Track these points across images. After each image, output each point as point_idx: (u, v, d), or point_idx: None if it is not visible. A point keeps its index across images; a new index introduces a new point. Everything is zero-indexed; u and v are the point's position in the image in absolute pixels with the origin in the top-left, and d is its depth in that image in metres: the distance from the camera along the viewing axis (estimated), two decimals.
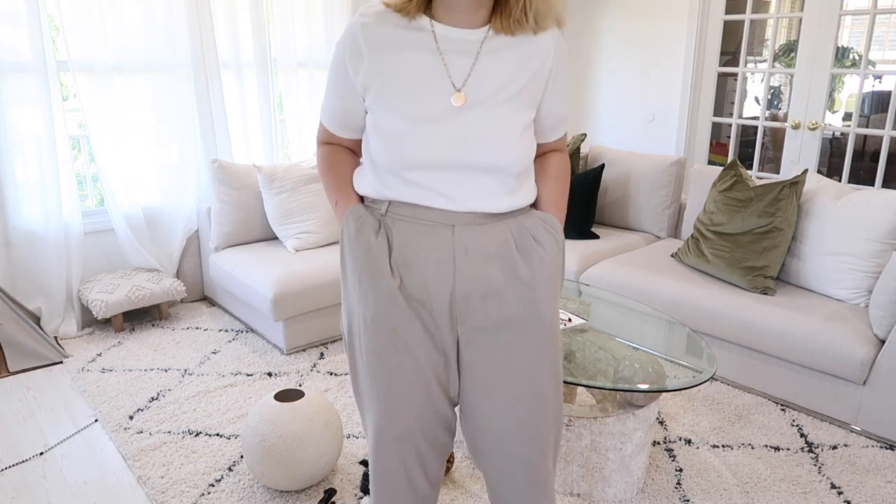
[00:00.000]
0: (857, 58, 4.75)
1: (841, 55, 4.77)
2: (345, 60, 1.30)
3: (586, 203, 3.59)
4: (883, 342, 2.42)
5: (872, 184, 3.67)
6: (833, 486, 2.18)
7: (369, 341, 1.33)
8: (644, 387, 1.96)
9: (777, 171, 4.43)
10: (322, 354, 3.11)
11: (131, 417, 2.56)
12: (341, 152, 1.42)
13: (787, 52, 4.68)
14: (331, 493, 2.11)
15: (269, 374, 2.92)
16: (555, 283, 1.36)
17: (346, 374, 2.91)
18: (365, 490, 2.14)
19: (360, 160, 1.42)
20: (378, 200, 1.33)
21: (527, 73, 1.29)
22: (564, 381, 1.99)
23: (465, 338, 1.33)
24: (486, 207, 1.29)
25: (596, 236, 3.61)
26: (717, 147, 4.54)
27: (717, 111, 4.46)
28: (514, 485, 1.40)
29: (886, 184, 3.60)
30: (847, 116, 4.91)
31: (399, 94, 1.25)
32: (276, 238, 3.60)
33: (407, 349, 1.31)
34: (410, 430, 1.36)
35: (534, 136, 1.36)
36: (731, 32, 4.15)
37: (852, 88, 4.96)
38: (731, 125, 4.18)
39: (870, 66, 3.41)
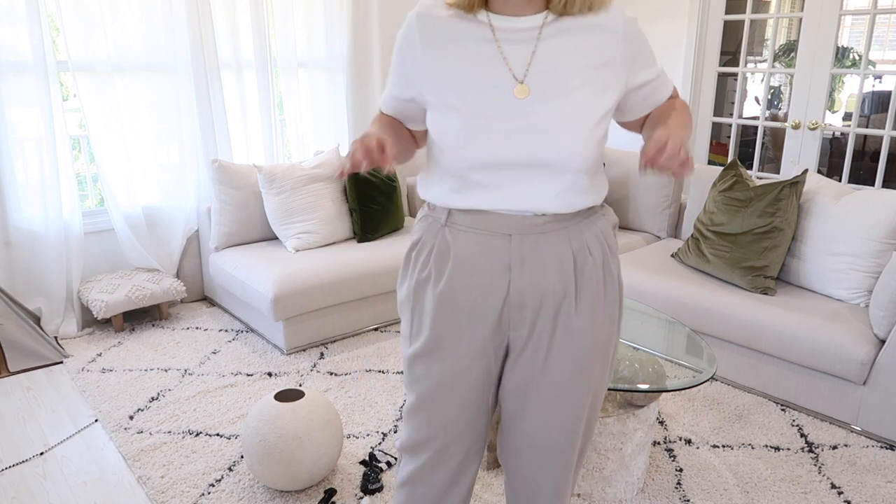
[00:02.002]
0: (857, 58, 4.75)
1: (841, 55, 4.77)
2: (402, 52, 1.27)
3: None
4: (883, 342, 2.42)
5: (872, 184, 3.67)
6: (833, 486, 2.18)
7: (415, 361, 1.35)
8: (644, 387, 1.96)
9: (777, 171, 4.43)
10: (322, 354, 3.11)
11: (131, 417, 2.56)
12: (390, 120, 1.38)
13: (787, 52, 4.68)
14: (331, 493, 2.11)
15: (269, 374, 2.92)
16: (608, 305, 1.31)
17: (346, 374, 2.91)
18: (365, 490, 2.14)
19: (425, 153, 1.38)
20: (439, 208, 1.30)
21: (593, 57, 1.20)
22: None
23: (515, 344, 1.32)
24: (549, 208, 1.23)
25: None
26: (717, 147, 4.54)
27: (717, 111, 4.45)
28: (533, 487, 1.42)
29: (886, 184, 3.60)
30: (847, 116, 4.91)
31: (456, 90, 1.21)
32: (276, 238, 3.60)
33: (448, 368, 1.32)
34: (447, 440, 1.38)
35: (605, 128, 1.25)
36: (731, 32, 4.15)
37: (852, 88, 4.96)
38: (731, 125, 4.18)
39: (870, 66, 3.41)
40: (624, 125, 1.39)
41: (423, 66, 1.24)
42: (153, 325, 3.41)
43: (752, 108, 4.97)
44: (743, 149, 4.55)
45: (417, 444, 1.39)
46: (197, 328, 3.39)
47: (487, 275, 1.26)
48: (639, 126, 1.40)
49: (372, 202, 3.54)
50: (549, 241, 1.25)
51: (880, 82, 4.60)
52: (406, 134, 1.37)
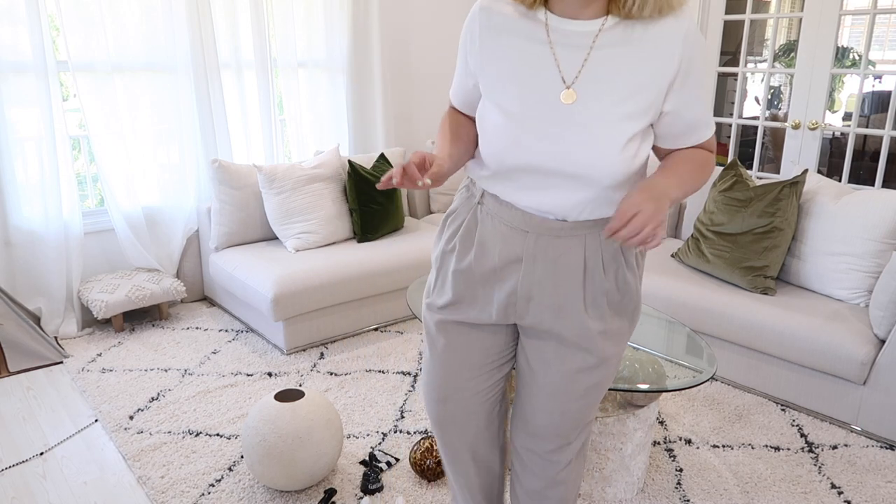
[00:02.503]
0: (857, 58, 4.75)
1: (841, 55, 4.77)
2: (465, 42, 1.32)
3: None
4: (883, 342, 2.42)
5: (872, 184, 3.67)
6: (833, 486, 2.18)
7: (434, 310, 1.45)
8: (644, 387, 1.96)
9: (777, 171, 4.43)
10: (322, 354, 3.11)
11: (131, 417, 2.56)
12: (462, 115, 1.44)
13: (787, 52, 4.69)
14: (331, 493, 2.11)
15: (269, 374, 2.92)
16: (620, 313, 1.35)
17: (346, 374, 2.91)
18: (365, 490, 2.14)
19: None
20: (477, 185, 1.37)
21: (645, 72, 1.18)
22: None
23: (524, 332, 1.42)
24: (571, 216, 1.27)
25: None
26: (717, 147, 4.54)
27: (717, 111, 4.45)
28: (528, 469, 1.51)
29: (886, 184, 3.60)
30: (847, 116, 4.92)
31: (505, 88, 1.23)
32: (276, 238, 3.60)
33: (462, 330, 1.43)
34: (450, 395, 1.48)
35: (641, 147, 1.25)
36: (731, 32, 4.15)
37: (852, 88, 4.96)
38: (731, 125, 4.18)
39: (870, 66, 3.41)
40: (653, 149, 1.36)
41: (480, 57, 1.28)
42: (153, 325, 3.41)
43: (752, 108, 4.97)
44: (743, 149, 4.55)
45: (430, 400, 1.51)
46: (197, 328, 3.39)
47: (501, 263, 1.33)
48: (661, 158, 1.38)
49: (372, 202, 3.54)
50: (562, 245, 1.29)
51: (880, 82, 4.61)
52: (469, 131, 1.38)
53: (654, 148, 1.35)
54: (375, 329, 3.39)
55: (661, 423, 2.53)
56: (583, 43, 1.19)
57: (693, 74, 1.22)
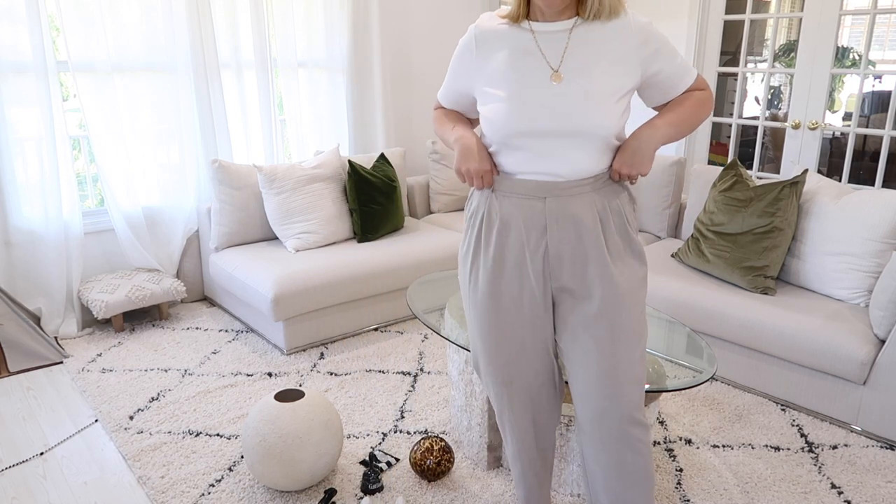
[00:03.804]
0: (857, 58, 4.75)
1: (841, 55, 4.77)
2: (461, 55, 1.63)
3: None
4: (883, 342, 2.42)
5: (872, 184, 3.67)
6: (833, 486, 2.18)
7: (475, 304, 1.64)
8: (644, 387, 1.96)
9: (777, 171, 4.43)
10: (322, 354, 3.11)
11: (131, 417, 2.56)
12: (454, 111, 1.77)
13: (787, 52, 4.68)
14: (331, 493, 2.11)
15: (269, 374, 2.92)
16: (632, 262, 1.56)
17: (346, 374, 2.91)
18: (365, 490, 2.14)
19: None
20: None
21: (613, 49, 1.50)
22: (565, 382, 1.99)
23: (557, 296, 1.60)
24: (575, 173, 1.51)
25: None
26: (717, 147, 4.54)
27: (717, 111, 4.46)
28: (588, 406, 1.60)
29: (886, 184, 3.60)
30: (847, 116, 4.91)
31: (503, 81, 1.52)
32: (276, 238, 3.60)
33: (504, 309, 1.60)
34: (511, 376, 1.67)
35: (627, 106, 1.53)
36: (731, 32, 4.15)
37: (852, 88, 4.96)
38: (731, 125, 4.19)
39: (870, 66, 3.41)
40: (655, 108, 1.68)
41: (476, 66, 1.59)
42: (153, 326, 3.41)
43: (752, 108, 4.97)
44: (743, 149, 4.56)
45: (487, 379, 1.71)
46: (197, 328, 3.39)
47: (528, 233, 1.54)
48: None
49: (372, 202, 3.54)
50: (577, 203, 1.52)
51: (880, 82, 4.61)
52: (463, 118, 1.76)
53: (656, 107, 1.65)
54: (375, 329, 3.39)
55: (661, 423, 2.53)
56: (562, 37, 1.52)
57: (654, 41, 1.53)
